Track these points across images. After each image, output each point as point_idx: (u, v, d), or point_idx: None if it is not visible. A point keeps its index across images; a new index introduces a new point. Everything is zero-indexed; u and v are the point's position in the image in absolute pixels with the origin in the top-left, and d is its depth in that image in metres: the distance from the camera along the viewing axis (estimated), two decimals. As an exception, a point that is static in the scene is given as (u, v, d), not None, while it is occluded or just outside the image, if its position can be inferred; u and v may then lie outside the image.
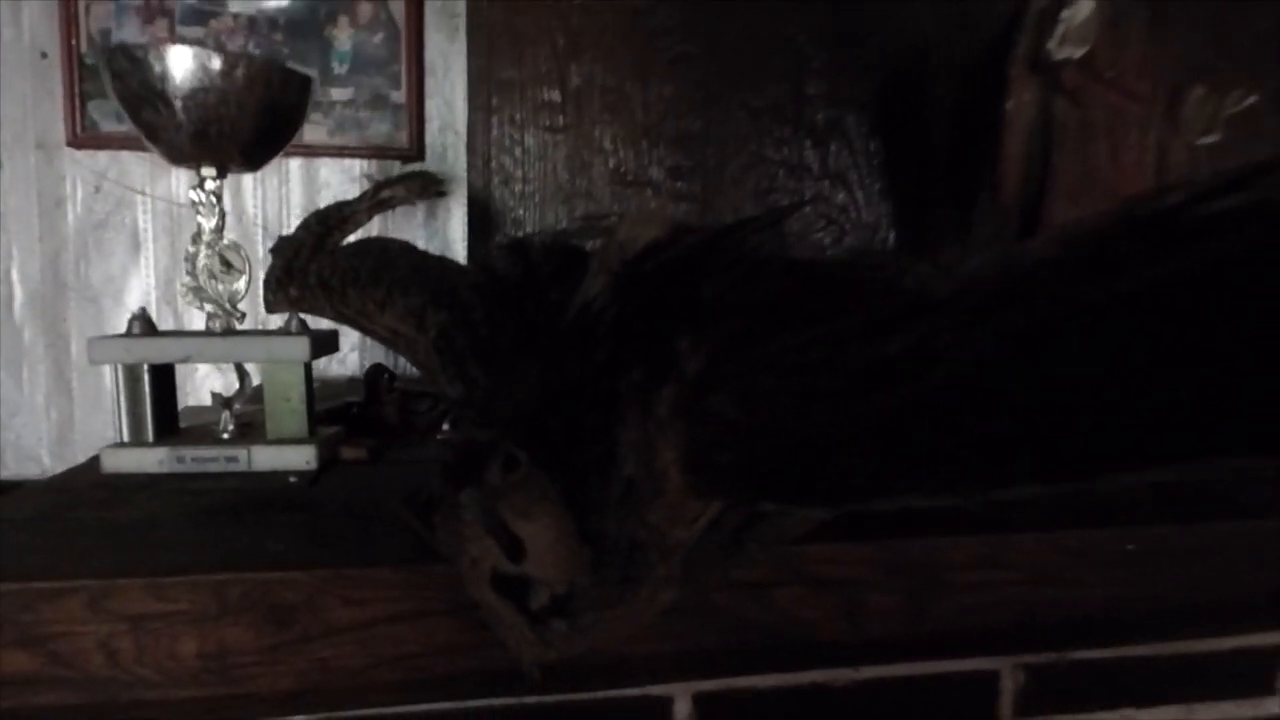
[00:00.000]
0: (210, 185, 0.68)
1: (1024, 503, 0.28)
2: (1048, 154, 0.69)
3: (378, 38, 1.15)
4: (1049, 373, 0.24)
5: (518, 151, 0.84)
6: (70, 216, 1.14)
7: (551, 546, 0.30)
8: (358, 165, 1.16)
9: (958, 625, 0.54)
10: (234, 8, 1.15)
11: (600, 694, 0.54)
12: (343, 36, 1.16)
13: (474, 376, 0.40)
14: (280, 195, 1.15)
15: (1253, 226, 0.21)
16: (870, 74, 0.86)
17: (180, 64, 0.61)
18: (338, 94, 1.15)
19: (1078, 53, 0.64)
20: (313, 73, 1.14)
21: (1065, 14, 0.63)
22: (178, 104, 0.61)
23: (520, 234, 0.82)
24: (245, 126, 0.63)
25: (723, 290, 0.33)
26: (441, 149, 1.13)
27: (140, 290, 1.14)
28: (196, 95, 0.61)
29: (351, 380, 1.06)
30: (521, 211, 0.84)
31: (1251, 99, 0.71)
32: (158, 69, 0.60)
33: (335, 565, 0.47)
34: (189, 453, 0.64)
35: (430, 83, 1.14)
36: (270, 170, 1.03)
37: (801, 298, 0.31)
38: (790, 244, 0.39)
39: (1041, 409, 0.24)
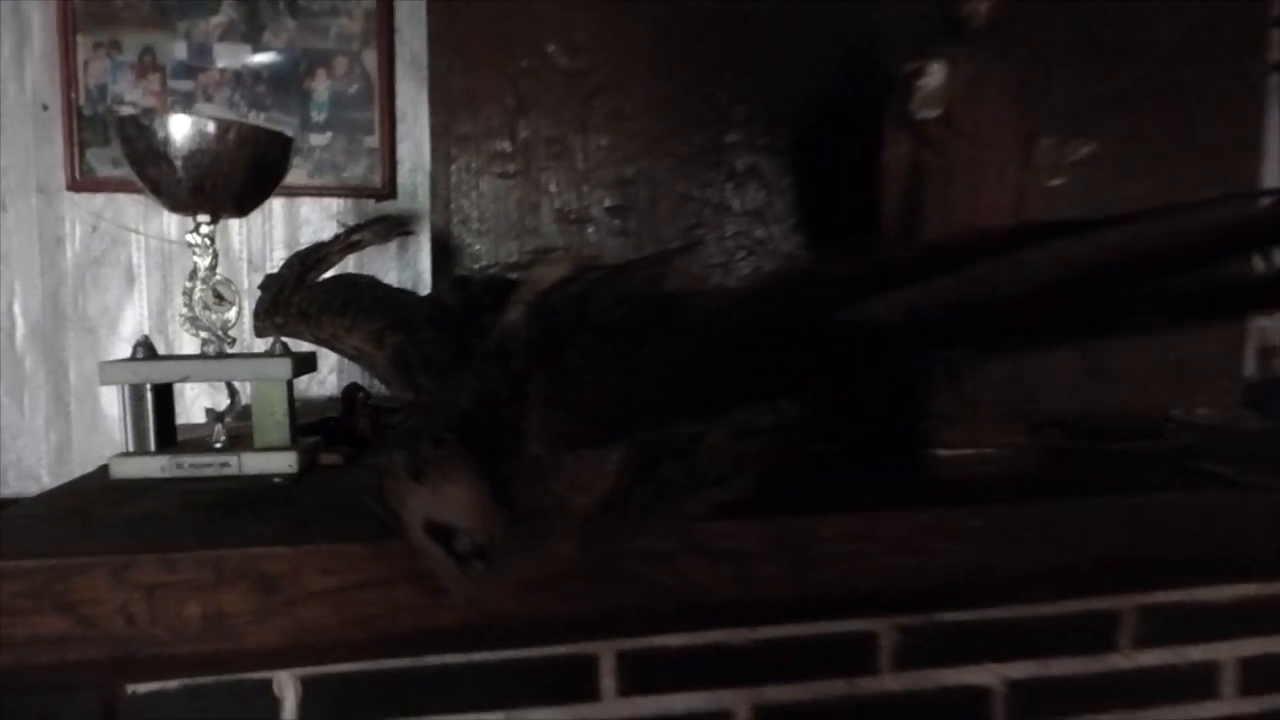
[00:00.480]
0: (205, 229, 0.78)
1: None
2: (919, 196, 0.81)
3: (353, 89, 1.27)
4: (709, 364, 0.36)
5: (474, 195, 0.95)
6: (69, 254, 1.23)
7: (470, 503, 0.41)
8: (336, 204, 1.27)
9: (835, 590, 0.65)
10: (221, 63, 1.26)
11: (538, 651, 0.64)
12: (321, 87, 1.27)
13: (421, 384, 0.51)
14: (264, 232, 1.26)
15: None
16: (785, 124, 0.99)
17: (180, 130, 0.72)
18: (317, 140, 1.26)
19: (933, 113, 0.76)
20: (293, 120, 1.25)
21: (920, 81, 0.76)
22: (178, 163, 0.72)
23: (476, 266, 0.93)
24: (236, 181, 0.74)
25: (601, 316, 0.44)
26: (413, 188, 1.25)
27: (134, 321, 1.24)
28: (195, 156, 0.72)
29: (331, 400, 1.17)
30: (478, 247, 0.95)
31: (1088, 148, 0.84)
32: (161, 135, 0.71)
33: (313, 542, 0.57)
34: (188, 459, 0.74)
35: (401, 129, 1.26)
36: (255, 210, 1.14)
37: (633, 320, 0.43)
38: (672, 275, 0.50)
39: (700, 382, 0.36)
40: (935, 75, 0.75)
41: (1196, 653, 0.78)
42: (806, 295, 0.35)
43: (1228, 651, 0.78)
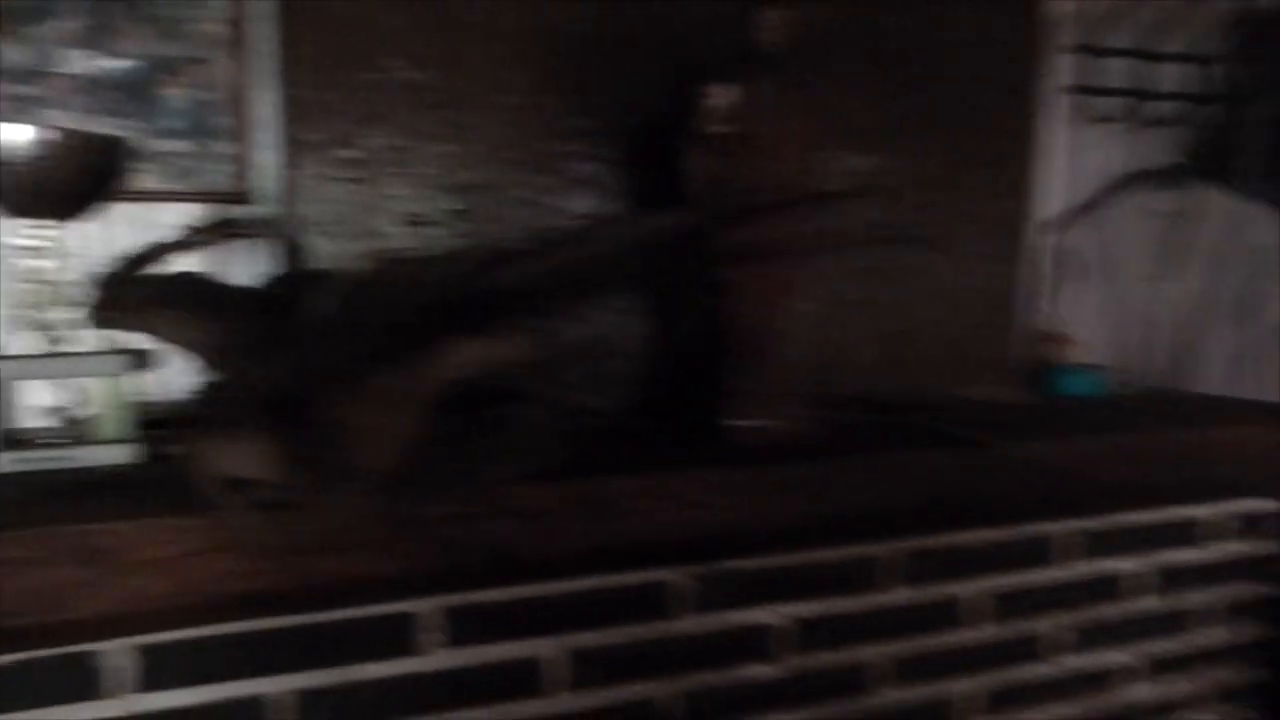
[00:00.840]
0: (42, 232, 0.81)
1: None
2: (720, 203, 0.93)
3: (207, 95, 1.29)
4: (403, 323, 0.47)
5: (322, 201, 1.01)
6: (-96, 262, 1.20)
7: (265, 459, 0.48)
8: (189, 209, 1.28)
9: (631, 542, 0.75)
10: (69, 69, 1.26)
11: (361, 611, 0.71)
12: (175, 94, 1.29)
13: (239, 366, 0.58)
14: (113, 236, 1.26)
15: None
16: (617, 137, 1.09)
17: (9, 136, 0.75)
18: (171, 145, 1.28)
19: (725, 129, 0.88)
20: (148, 126, 1.27)
21: (713, 101, 0.88)
22: (10, 169, 0.75)
23: (317, 267, 1.00)
24: (70, 185, 0.78)
25: (391, 301, 0.53)
26: (267, 193, 1.28)
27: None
28: (31, 162, 0.75)
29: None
30: (326, 248, 1.01)
31: (870, 161, 0.98)
32: (-5, 140, 0.74)
33: (142, 517, 0.63)
34: (30, 454, 0.77)
35: (257, 135, 1.29)
36: (105, 215, 1.15)
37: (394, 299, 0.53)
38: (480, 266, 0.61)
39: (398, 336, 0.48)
40: (727, 95, 0.86)
41: (951, 589, 0.92)
42: (461, 271, 0.47)
43: (975, 588, 0.93)
